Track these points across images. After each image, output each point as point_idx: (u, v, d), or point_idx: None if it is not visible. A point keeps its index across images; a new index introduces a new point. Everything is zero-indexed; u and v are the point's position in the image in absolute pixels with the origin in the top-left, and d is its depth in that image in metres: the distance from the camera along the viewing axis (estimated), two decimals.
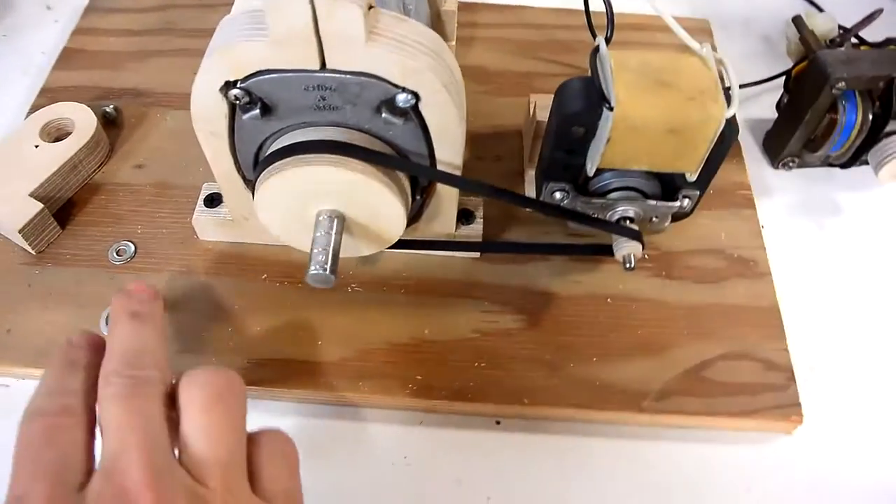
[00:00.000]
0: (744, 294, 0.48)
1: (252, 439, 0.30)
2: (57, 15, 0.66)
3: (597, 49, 0.39)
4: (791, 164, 0.57)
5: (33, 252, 0.48)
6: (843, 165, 0.56)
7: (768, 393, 0.44)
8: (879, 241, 0.54)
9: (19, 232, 0.46)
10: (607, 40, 0.41)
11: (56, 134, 0.52)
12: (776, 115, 0.58)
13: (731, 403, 0.43)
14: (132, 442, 0.26)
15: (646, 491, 0.42)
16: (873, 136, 0.52)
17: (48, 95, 0.57)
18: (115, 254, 0.48)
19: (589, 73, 0.40)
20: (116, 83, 0.58)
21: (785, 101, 0.56)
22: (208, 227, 0.48)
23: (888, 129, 0.51)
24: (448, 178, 0.39)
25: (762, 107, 0.60)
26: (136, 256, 0.48)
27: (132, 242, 0.49)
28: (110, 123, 0.55)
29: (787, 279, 0.50)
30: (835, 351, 0.48)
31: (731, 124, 0.38)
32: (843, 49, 0.53)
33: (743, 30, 0.68)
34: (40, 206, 0.47)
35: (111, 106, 0.55)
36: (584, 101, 0.39)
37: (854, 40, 0.55)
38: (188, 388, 0.29)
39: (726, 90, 0.38)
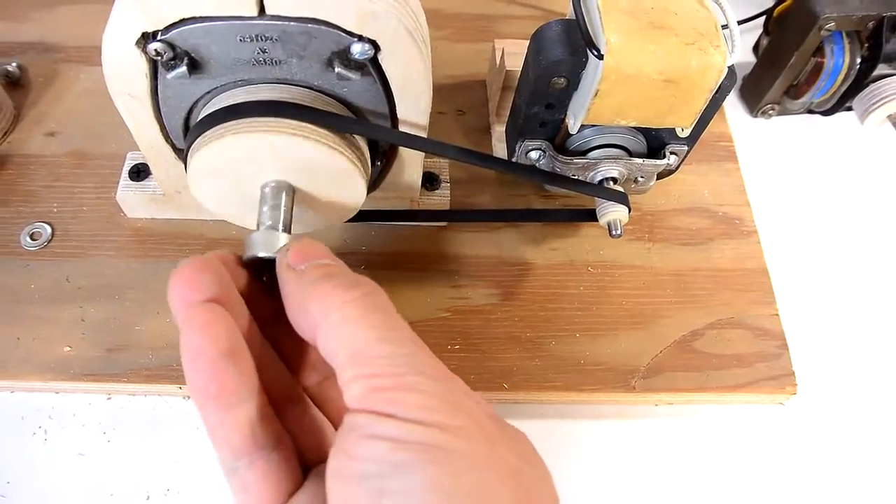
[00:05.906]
0: (731, 256, 0.45)
1: None
2: None
3: None
4: (771, 111, 0.53)
5: None
6: (826, 113, 0.53)
7: (761, 363, 0.41)
8: (867, 192, 0.51)
9: None
10: None
11: None
12: (753, 59, 0.54)
13: (725, 377, 0.40)
14: None
15: (637, 473, 0.39)
16: (860, 81, 0.49)
17: None
18: (28, 238, 0.42)
19: (568, 15, 0.35)
20: (18, 36, 0.51)
21: (765, 43, 0.53)
22: (136, 203, 0.42)
23: (876, 73, 0.48)
24: (414, 141, 0.34)
25: (738, 51, 0.56)
26: (53, 240, 0.42)
27: (48, 224, 0.42)
28: (13, 84, 0.48)
29: (773, 238, 0.47)
30: (822, 312, 0.45)
31: (731, 73, 0.34)
32: None
33: None
34: None
35: (14, 64, 0.49)
36: (567, 49, 0.34)
37: None
38: None
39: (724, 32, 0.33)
